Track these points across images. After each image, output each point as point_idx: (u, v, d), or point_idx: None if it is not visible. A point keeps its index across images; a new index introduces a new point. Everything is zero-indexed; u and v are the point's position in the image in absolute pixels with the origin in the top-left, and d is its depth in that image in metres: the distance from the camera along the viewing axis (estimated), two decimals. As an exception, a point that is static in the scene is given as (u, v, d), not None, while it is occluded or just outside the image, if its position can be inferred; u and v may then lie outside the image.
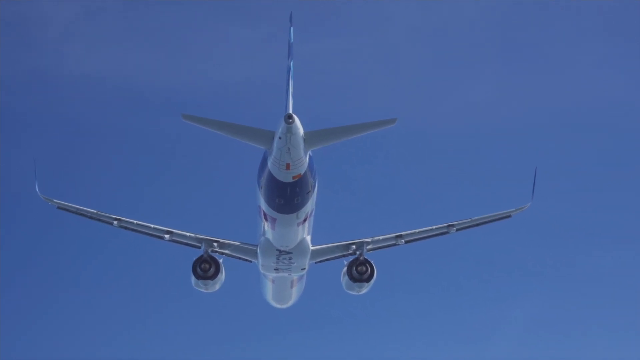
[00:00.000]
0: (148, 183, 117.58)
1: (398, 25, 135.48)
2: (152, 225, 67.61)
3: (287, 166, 56.03)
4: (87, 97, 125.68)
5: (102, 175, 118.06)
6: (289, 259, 66.77)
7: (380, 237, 68.63)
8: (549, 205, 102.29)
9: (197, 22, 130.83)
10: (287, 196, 58.35)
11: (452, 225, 68.00)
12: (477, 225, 68.33)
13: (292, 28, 59.20)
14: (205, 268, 68.37)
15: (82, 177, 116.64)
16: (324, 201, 64.29)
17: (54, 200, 66.87)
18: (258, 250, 66.96)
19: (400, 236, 68.41)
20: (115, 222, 67.12)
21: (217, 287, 69.65)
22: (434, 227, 68.20)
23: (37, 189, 66.61)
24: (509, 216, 68.37)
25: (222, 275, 69.13)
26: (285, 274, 69.68)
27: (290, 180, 57.13)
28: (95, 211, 67.00)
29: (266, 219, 62.10)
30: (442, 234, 68.37)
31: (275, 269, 68.51)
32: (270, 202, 59.37)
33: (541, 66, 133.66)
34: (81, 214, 67.18)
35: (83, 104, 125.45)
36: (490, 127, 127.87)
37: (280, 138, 54.90)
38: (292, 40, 59.00)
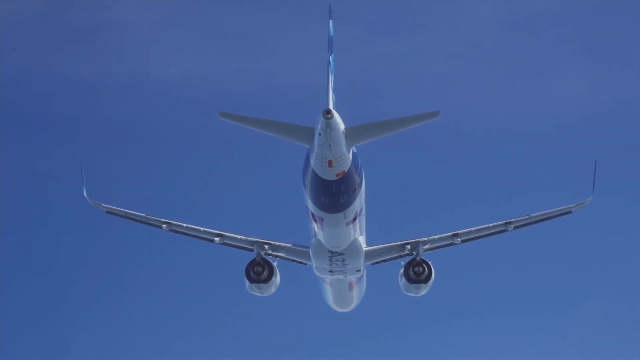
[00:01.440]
0: (206, 186, 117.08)
1: (482, 22, 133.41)
2: (202, 228, 66.75)
3: (330, 163, 54.52)
4: (168, 102, 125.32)
5: (160, 179, 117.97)
6: (342, 261, 65.21)
7: (436, 237, 66.59)
8: (612, 199, 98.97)
9: (278, 22, 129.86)
10: (332, 194, 56.82)
11: (510, 223, 65.61)
12: (536, 222, 65.82)
13: (330, 21, 57.75)
14: (259, 271, 67.23)
15: (139, 182, 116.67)
16: (377, 199, 62.75)
17: (102, 204, 66.64)
18: (310, 252, 65.54)
19: (456, 235, 66.31)
20: (164, 226, 66.56)
21: (273, 290, 68.47)
22: (490, 225, 65.94)
23: (85, 194, 66.50)
24: (570, 212, 65.78)
25: (276, 279, 67.97)
26: (341, 276, 68.11)
27: (334, 177, 55.56)
28: (144, 215, 66.54)
29: (315, 220, 60.73)
30: (499, 232, 66.05)
31: (329, 271, 67.04)
32: (316, 201, 57.95)
33: (629, 61, 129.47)
34: (130, 218, 66.79)
35: (160, 109, 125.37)
36: (570, 122, 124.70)
37: (320, 134, 53.38)
38: (331, 34, 57.59)
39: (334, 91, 55.00)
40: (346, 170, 55.40)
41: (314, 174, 55.79)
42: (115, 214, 66.93)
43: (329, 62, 56.08)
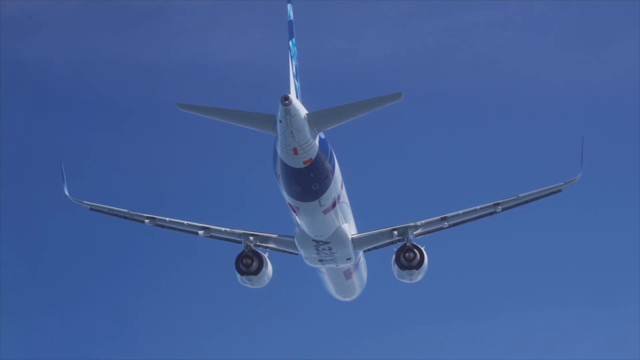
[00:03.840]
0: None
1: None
2: (186, 222, 65.88)
3: (295, 151, 53.33)
4: (228, 85, 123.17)
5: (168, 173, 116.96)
6: (329, 249, 63.84)
7: (424, 221, 64.70)
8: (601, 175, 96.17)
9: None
10: (303, 183, 55.67)
11: (498, 204, 63.62)
12: (525, 202, 63.71)
13: (289, 5, 56.36)
14: (248, 263, 66.08)
15: (144, 175, 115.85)
16: (364, 186, 61.08)
17: (84, 202, 66.17)
18: (295, 242, 64.28)
19: (444, 218, 64.45)
20: (147, 221, 65.86)
21: (266, 281, 67.21)
22: (478, 207, 63.98)
23: (66, 192, 66.11)
24: (560, 191, 63.65)
25: (267, 270, 66.69)
26: (333, 265, 66.80)
27: (302, 165, 54.40)
28: (127, 210, 65.90)
29: (292, 209, 59.57)
30: (488, 214, 64.12)
31: (319, 261, 65.68)
32: (288, 190, 56.84)
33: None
34: (114, 214, 66.20)
35: (221, 92, 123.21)
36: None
37: (280, 121, 52.18)
38: (290, 18, 56.26)
39: (296, 77, 53.81)
40: (314, 157, 54.19)
41: (282, 163, 54.71)
42: (99, 210, 66.45)
43: (289, 48, 54.81)
